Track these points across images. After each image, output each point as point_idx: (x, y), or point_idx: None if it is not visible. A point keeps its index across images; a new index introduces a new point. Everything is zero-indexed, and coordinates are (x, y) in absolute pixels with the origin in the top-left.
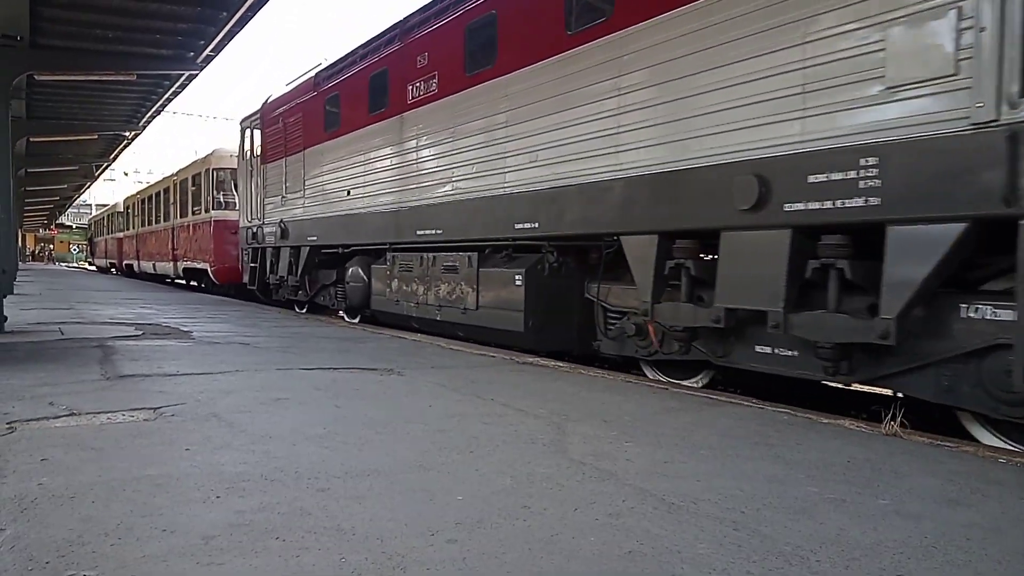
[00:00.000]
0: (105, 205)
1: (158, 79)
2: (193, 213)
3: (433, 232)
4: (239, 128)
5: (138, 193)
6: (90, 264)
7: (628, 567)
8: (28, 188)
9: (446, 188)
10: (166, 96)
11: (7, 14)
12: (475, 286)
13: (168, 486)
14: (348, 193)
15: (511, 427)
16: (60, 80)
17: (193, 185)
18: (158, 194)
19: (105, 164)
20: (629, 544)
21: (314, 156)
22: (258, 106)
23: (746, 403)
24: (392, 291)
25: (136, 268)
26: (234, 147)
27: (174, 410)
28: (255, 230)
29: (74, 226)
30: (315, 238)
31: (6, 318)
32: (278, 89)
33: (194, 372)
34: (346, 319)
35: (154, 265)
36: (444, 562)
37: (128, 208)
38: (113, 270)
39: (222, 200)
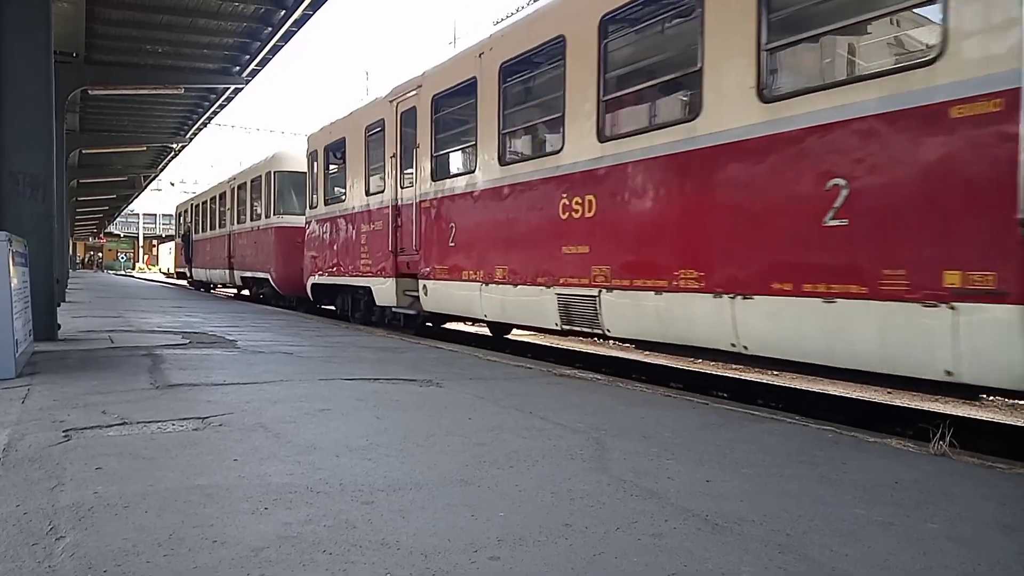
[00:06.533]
0: (152, 215)
1: (205, 92)
2: None
3: None
4: None
5: (409, 92)
6: (171, 275)
7: None
8: (79, 198)
9: None
10: (212, 109)
11: (64, 33)
12: None
13: (217, 496)
14: None
15: (550, 442)
16: (112, 94)
17: None
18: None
19: (153, 175)
20: (673, 566)
21: None
22: None
23: (789, 420)
24: None
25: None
26: None
27: (222, 420)
28: None
29: (122, 235)
30: None
31: (59, 326)
32: None
33: (240, 382)
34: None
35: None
36: None
37: (341, 152)
38: (246, 291)
39: None
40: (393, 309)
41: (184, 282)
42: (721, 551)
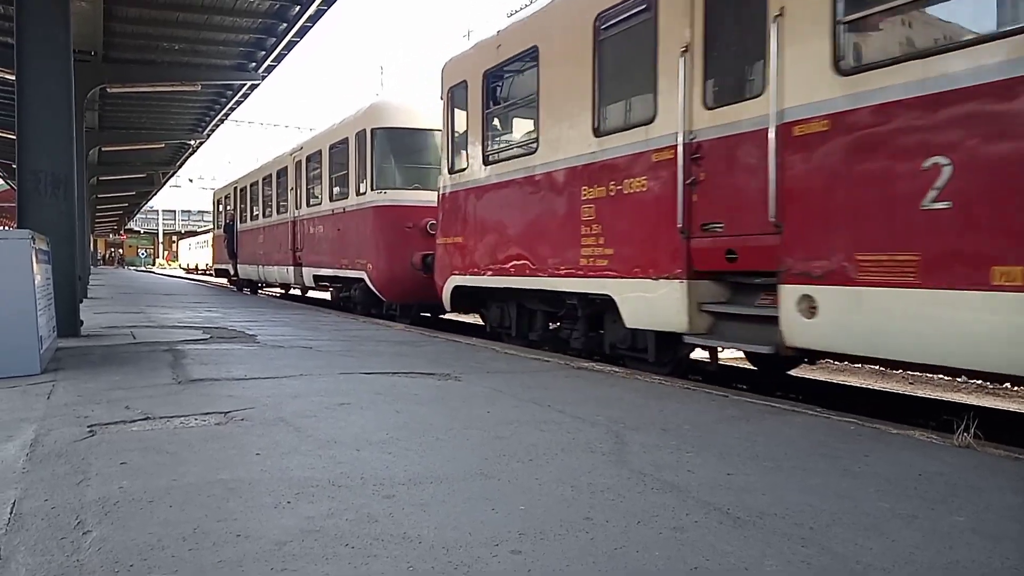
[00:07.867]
0: (171, 211)
1: (221, 89)
2: None
3: None
4: None
5: None
6: (192, 270)
7: None
8: (99, 195)
9: None
10: (229, 105)
11: (82, 32)
12: None
13: (240, 491)
14: None
15: (569, 435)
16: (130, 92)
17: None
18: None
19: (171, 171)
20: (695, 559)
21: None
22: None
23: (810, 412)
24: None
25: None
26: None
27: (243, 414)
28: None
29: (142, 231)
30: None
31: (82, 322)
32: None
33: (261, 376)
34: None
35: None
36: (509, 573)
37: None
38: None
39: None
40: (686, 339)
41: (224, 280)
42: (743, 545)
